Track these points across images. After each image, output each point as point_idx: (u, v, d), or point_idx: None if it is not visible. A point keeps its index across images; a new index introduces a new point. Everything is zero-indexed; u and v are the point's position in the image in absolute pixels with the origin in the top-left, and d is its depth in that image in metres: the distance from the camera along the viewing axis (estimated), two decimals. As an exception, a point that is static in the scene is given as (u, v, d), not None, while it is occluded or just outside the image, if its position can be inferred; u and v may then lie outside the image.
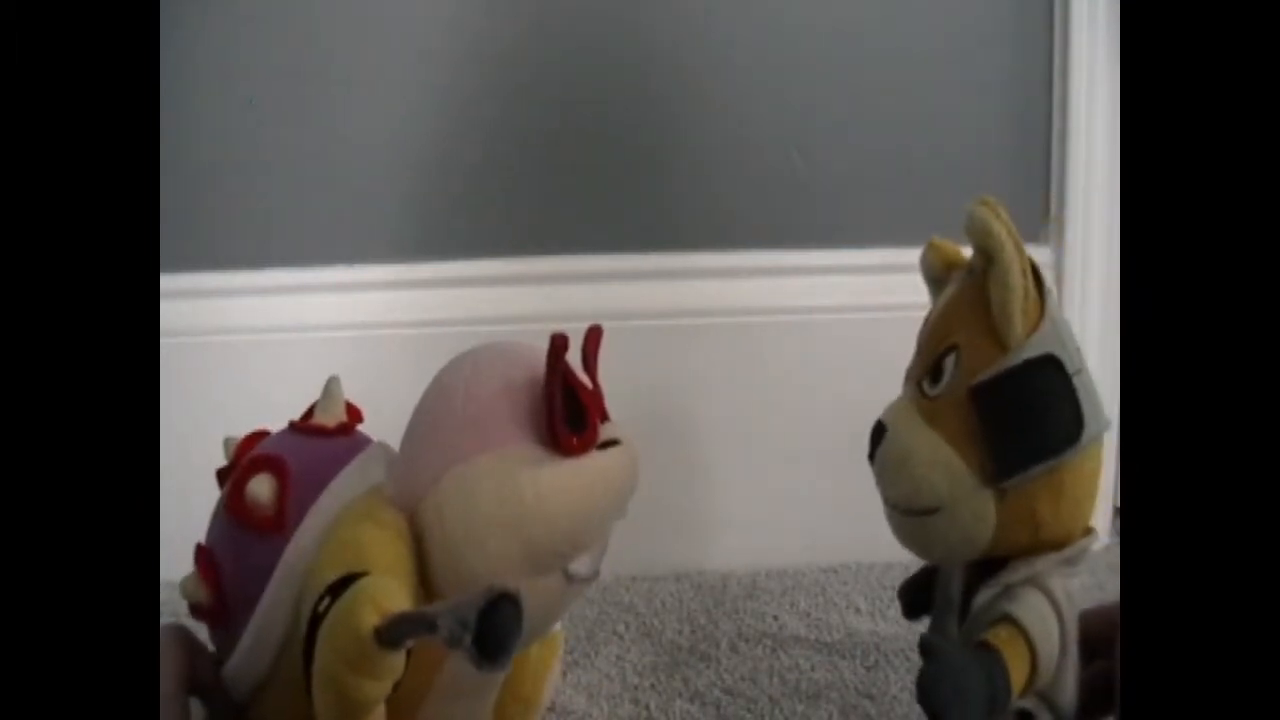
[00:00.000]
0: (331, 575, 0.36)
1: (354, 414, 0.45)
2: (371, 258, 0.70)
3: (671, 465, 0.69)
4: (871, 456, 0.41)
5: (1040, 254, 0.71)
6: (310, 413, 0.45)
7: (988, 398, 0.38)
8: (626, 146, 0.69)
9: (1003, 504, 0.38)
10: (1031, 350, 0.37)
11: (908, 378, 0.42)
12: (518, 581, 0.36)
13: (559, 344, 0.38)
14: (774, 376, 0.70)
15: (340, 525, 0.39)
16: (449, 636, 0.31)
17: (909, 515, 0.39)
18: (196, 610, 0.41)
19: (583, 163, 0.69)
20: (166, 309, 0.59)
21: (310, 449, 0.42)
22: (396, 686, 0.34)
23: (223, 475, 0.44)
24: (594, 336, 0.42)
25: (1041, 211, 0.72)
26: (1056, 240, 0.71)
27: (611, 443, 0.40)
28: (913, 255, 0.44)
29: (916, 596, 0.45)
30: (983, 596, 0.39)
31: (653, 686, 0.55)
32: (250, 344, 0.69)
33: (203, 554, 0.41)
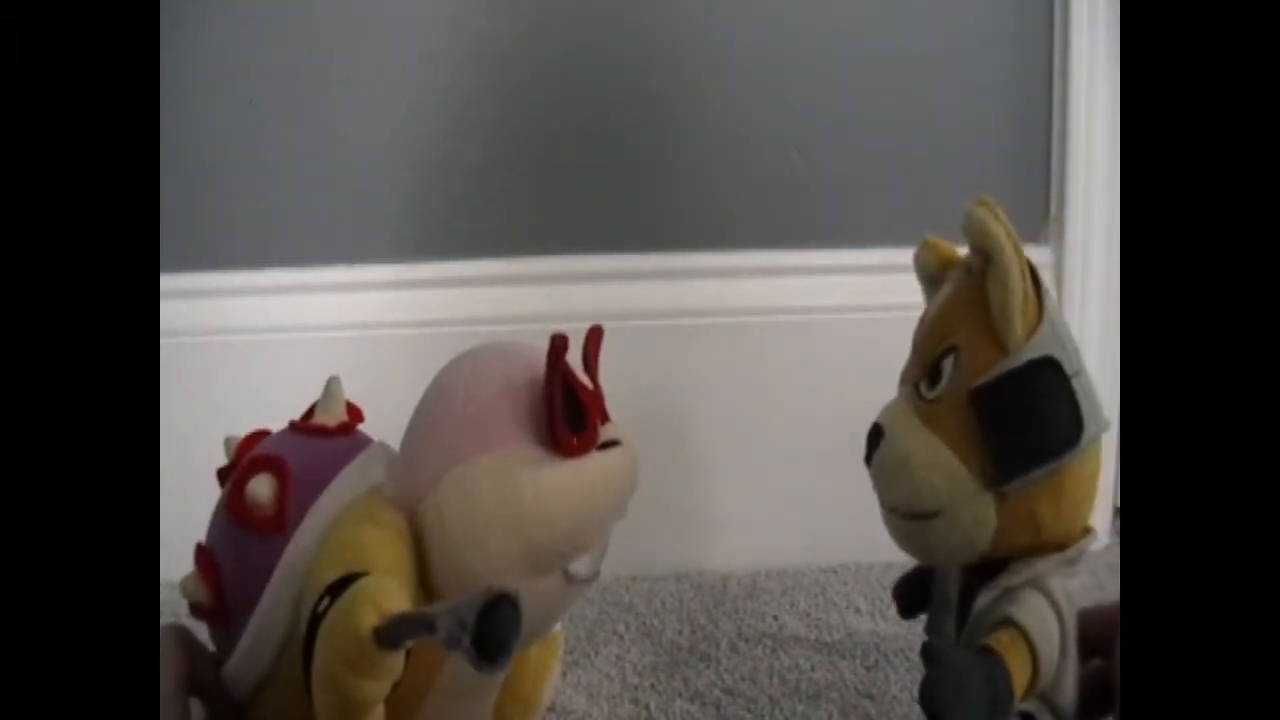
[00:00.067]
0: (331, 575, 0.36)
1: (354, 414, 0.45)
2: (371, 258, 0.70)
3: (671, 465, 0.69)
4: (869, 459, 0.41)
5: (1040, 254, 0.71)
6: (311, 413, 0.45)
7: (988, 400, 0.37)
8: (626, 146, 0.69)
9: (1003, 507, 0.38)
10: (1031, 352, 0.37)
11: (904, 379, 0.42)
12: (517, 582, 0.36)
13: (559, 344, 0.38)
14: (774, 376, 0.70)
15: (340, 525, 0.39)
16: (447, 637, 0.31)
17: (908, 519, 0.39)
18: (196, 610, 0.41)
19: (583, 163, 0.70)
20: (166, 309, 0.59)
21: (310, 449, 0.42)
22: (396, 686, 0.34)
23: (223, 475, 0.44)
24: (595, 337, 0.42)
25: (1041, 211, 0.72)
26: (1056, 240, 0.71)
27: (612, 443, 0.40)
28: (912, 255, 0.44)
29: (912, 595, 0.45)
30: (983, 599, 0.39)
31: (653, 686, 0.55)
32: (250, 344, 0.69)
33: (203, 554, 0.41)
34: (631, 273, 0.70)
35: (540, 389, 0.39)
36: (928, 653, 0.42)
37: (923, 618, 0.43)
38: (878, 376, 0.43)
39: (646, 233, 0.70)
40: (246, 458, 0.42)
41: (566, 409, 0.39)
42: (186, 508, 0.42)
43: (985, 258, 0.38)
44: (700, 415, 0.70)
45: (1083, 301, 0.71)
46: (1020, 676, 0.36)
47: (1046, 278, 0.39)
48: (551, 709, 0.53)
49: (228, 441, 0.45)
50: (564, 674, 0.56)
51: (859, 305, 0.69)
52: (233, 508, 0.41)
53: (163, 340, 0.58)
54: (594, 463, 0.39)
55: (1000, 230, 0.37)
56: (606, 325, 0.42)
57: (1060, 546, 0.38)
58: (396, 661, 0.33)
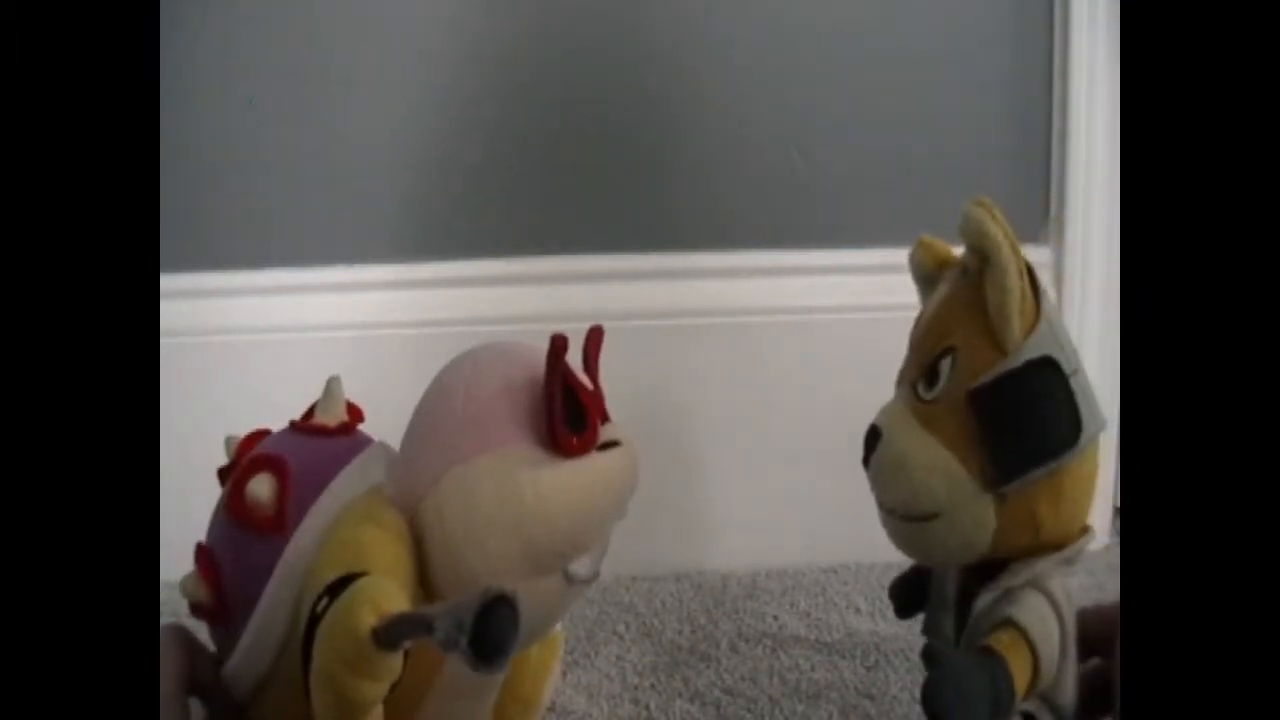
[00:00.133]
0: (331, 575, 0.36)
1: (355, 414, 0.45)
2: (371, 258, 0.70)
3: (671, 465, 0.69)
4: (866, 461, 0.40)
5: (1040, 254, 0.71)
6: (311, 413, 0.45)
7: (987, 401, 0.37)
8: (626, 146, 0.69)
9: (1002, 508, 0.37)
10: (1030, 352, 0.37)
11: (900, 380, 0.42)
12: (517, 582, 0.36)
13: (559, 344, 0.38)
14: (774, 376, 0.70)
15: (340, 525, 0.39)
16: (445, 638, 0.31)
17: (906, 521, 0.39)
18: (196, 610, 0.41)
19: (583, 163, 0.70)
20: (166, 309, 0.59)
21: (311, 449, 0.42)
22: (395, 687, 0.34)
23: (223, 475, 0.44)
24: (595, 337, 0.42)
25: (1041, 211, 0.72)
26: (1056, 240, 0.71)
27: (612, 443, 0.40)
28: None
29: (909, 595, 0.45)
30: (983, 600, 0.38)
31: (653, 686, 0.55)
32: (250, 344, 0.69)
33: (203, 554, 0.41)
34: (631, 273, 0.70)
35: (540, 389, 0.39)
36: (929, 654, 0.42)
37: (921, 617, 0.43)
38: (877, 376, 0.43)
39: (646, 233, 0.70)
40: (246, 458, 0.42)
41: (566, 409, 0.39)
42: (186, 508, 0.42)
43: (983, 258, 0.38)
44: (700, 415, 0.70)
45: (1083, 301, 0.71)
46: (1021, 677, 0.36)
47: (1046, 278, 0.39)
48: (551, 709, 0.53)
49: (228, 441, 0.45)
50: (564, 674, 0.56)
51: (859, 305, 0.69)
52: (233, 508, 0.41)
53: (163, 340, 0.58)
54: (594, 463, 0.39)
55: (998, 231, 0.37)
56: (606, 325, 0.42)
57: (1059, 546, 0.38)
58: (395, 662, 0.33)
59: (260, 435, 0.44)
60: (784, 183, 0.70)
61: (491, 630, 0.31)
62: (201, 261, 0.69)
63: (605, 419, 0.42)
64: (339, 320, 0.69)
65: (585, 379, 0.41)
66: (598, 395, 0.41)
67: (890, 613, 0.46)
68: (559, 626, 0.51)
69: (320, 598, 0.35)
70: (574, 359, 0.40)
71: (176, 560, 0.40)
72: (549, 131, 0.69)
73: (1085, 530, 0.39)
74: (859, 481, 0.41)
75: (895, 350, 0.42)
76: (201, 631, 0.42)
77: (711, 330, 0.69)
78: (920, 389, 0.39)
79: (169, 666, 0.38)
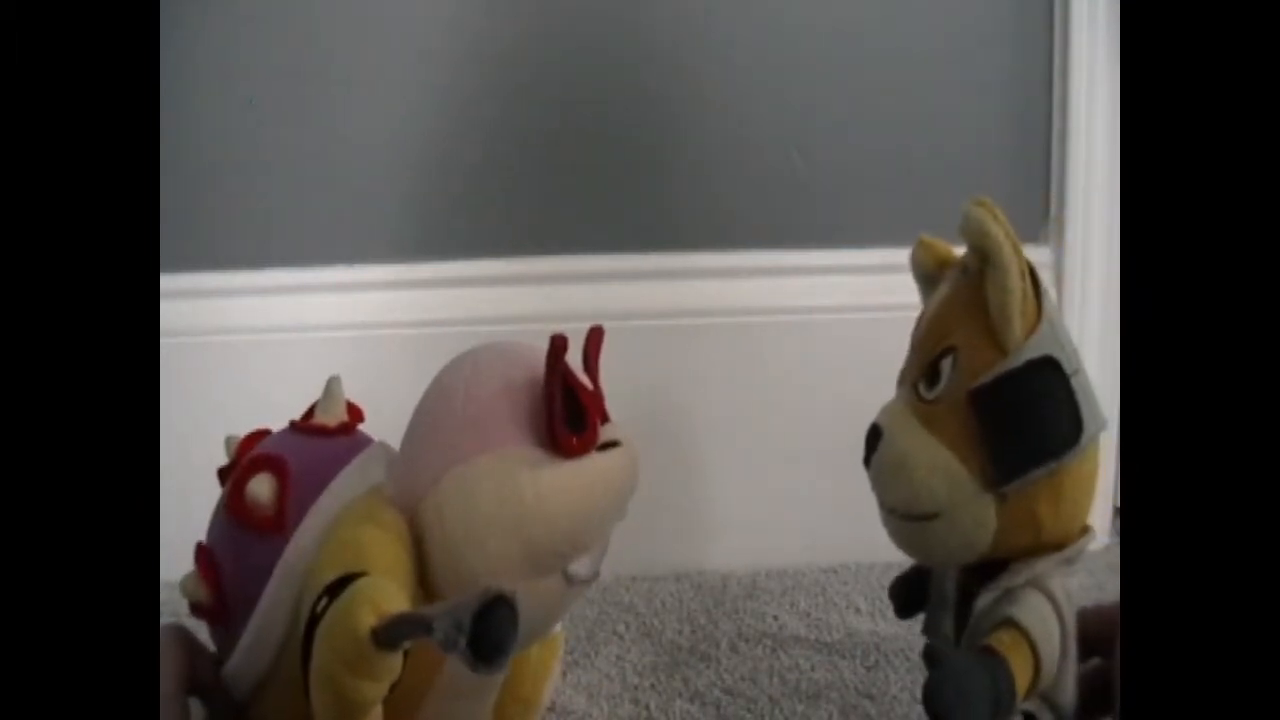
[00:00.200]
0: (330, 575, 0.36)
1: (355, 414, 0.45)
2: (371, 258, 0.70)
3: (671, 465, 0.69)
4: (867, 460, 0.40)
5: (1040, 254, 0.71)
6: (311, 413, 0.45)
7: (988, 401, 0.37)
8: (626, 146, 0.69)
9: (1003, 508, 0.37)
10: (1030, 352, 0.37)
11: (901, 379, 0.42)
12: (517, 583, 0.36)
13: (559, 344, 0.38)
14: (774, 376, 0.70)
15: (340, 525, 0.39)
16: (444, 639, 0.31)
17: (907, 520, 0.39)
18: (196, 610, 0.41)
19: (583, 163, 0.70)
20: (166, 309, 0.59)
21: (311, 449, 0.42)
22: (395, 687, 0.34)
23: (223, 475, 0.44)
24: (595, 337, 0.42)
25: (1041, 211, 0.72)
26: (1056, 240, 0.71)
27: (612, 444, 0.40)
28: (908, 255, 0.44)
29: (909, 595, 0.45)
30: (984, 600, 0.38)
31: (653, 686, 0.55)
32: (250, 344, 0.69)
33: (203, 553, 0.41)
34: (631, 273, 0.70)
35: (540, 389, 0.39)
36: (930, 654, 0.42)
37: (921, 617, 0.43)
38: (877, 376, 0.43)
39: (646, 233, 0.70)
40: (246, 457, 0.42)
41: (566, 409, 0.39)
42: (186, 508, 0.42)
43: (984, 258, 0.38)
44: (700, 415, 0.70)
45: (1083, 301, 0.71)
46: (1022, 677, 0.36)
47: (1046, 278, 0.39)
48: (551, 709, 0.53)
49: (228, 441, 0.45)
50: (564, 674, 0.56)
51: (859, 305, 0.69)
52: (233, 507, 0.41)
53: (163, 340, 0.58)
54: (594, 463, 0.39)
55: (999, 230, 0.37)
56: (606, 325, 0.42)
57: (1059, 546, 0.38)
58: (395, 662, 0.33)
59: (260, 435, 0.44)
60: (784, 183, 0.70)
61: (491, 630, 0.31)
62: (201, 261, 0.69)
63: (605, 419, 0.42)
64: (339, 320, 0.69)
65: (585, 379, 0.41)
66: (598, 395, 0.41)
67: (890, 613, 0.46)
68: (559, 626, 0.51)
69: (320, 598, 0.35)
70: (574, 359, 0.40)
71: (176, 560, 0.40)
72: (549, 131, 0.69)
73: (1085, 530, 0.40)
74: (859, 481, 0.41)
75: (895, 350, 0.42)
76: (201, 631, 0.42)
77: (711, 330, 0.69)
78: (921, 389, 0.39)
79: (169, 666, 0.38)
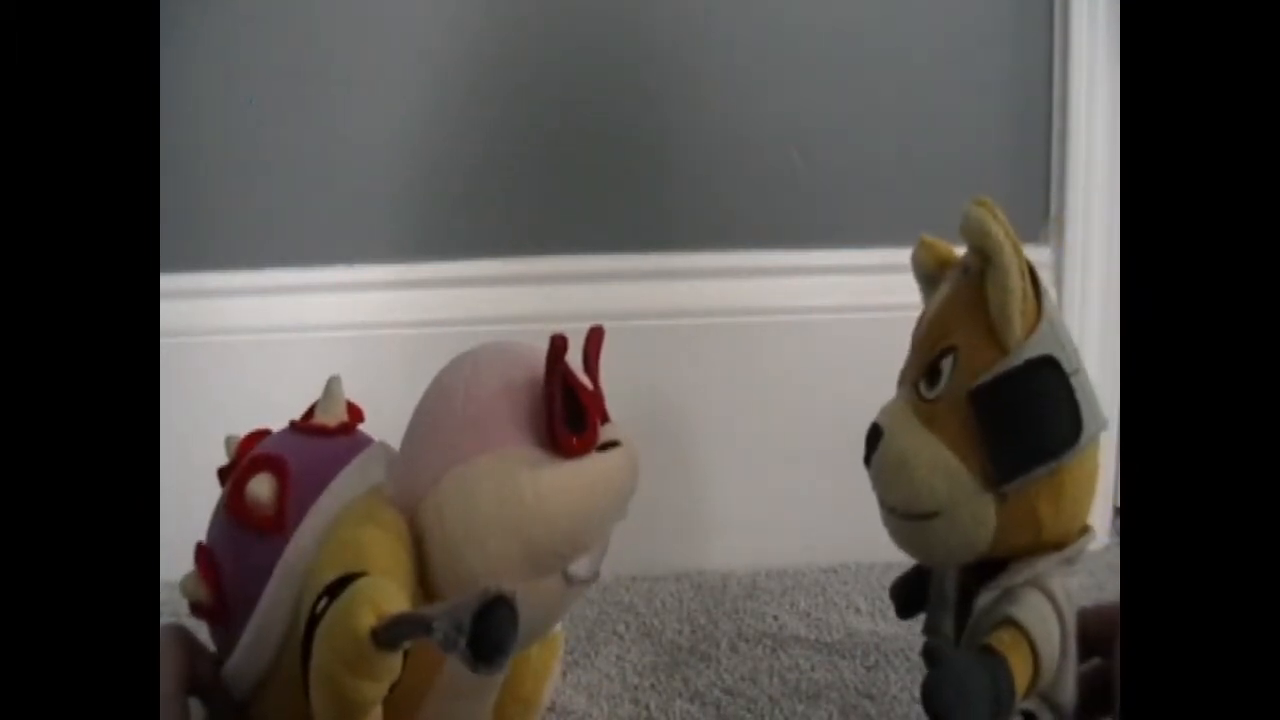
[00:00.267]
0: (330, 575, 0.36)
1: (355, 414, 0.45)
2: (371, 258, 0.70)
3: (671, 465, 0.69)
4: (867, 460, 0.41)
5: (1040, 254, 0.71)
6: (311, 413, 0.45)
7: (988, 400, 0.37)
8: (626, 146, 0.69)
9: (1003, 507, 0.37)
10: (1031, 352, 0.37)
11: (902, 379, 0.42)
12: (517, 583, 0.36)
13: (559, 344, 0.38)
14: (774, 376, 0.70)
15: (340, 525, 0.39)
16: (444, 639, 0.31)
17: (907, 519, 0.39)
18: (196, 610, 0.41)
19: (583, 163, 0.70)
20: (166, 309, 0.59)
21: (311, 449, 0.42)
22: (395, 687, 0.34)
23: (223, 475, 0.44)
24: (595, 338, 0.42)
25: (1041, 211, 0.72)
26: (1056, 240, 0.71)
27: (612, 444, 0.40)
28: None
29: (909, 595, 0.45)
30: (984, 599, 0.38)
31: (653, 686, 0.55)
32: (250, 344, 0.69)
33: (203, 553, 0.41)
34: (631, 273, 0.70)
35: (540, 389, 0.39)
36: (929, 654, 0.42)
37: (921, 617, 0.43)
38: (877, 376, 0.43)
39: (646, 233, 0.70)
40: (246, 457, 0.42)
41: (566, 409, 0.39)
42: (186, 508, 0.42)
43: (984, 258, 0.38)
44: (700, 415, 0.70)
45: (1083, 301, 0.71)
46: (1022, 676, 0.36)
47: (1046, 278, 0.39)
48: (551, 709, 0.53)
49: (228, 441, 0.45)
50: (564, 674, 0.56)
51: (859, 305, 0.69)
52: (233, 507, 0.41)
53: (163, 340, 0.58)
54: (594, 463, 0.39)
55: (999, 230, 0.37)
56: (606, 325, 0.42)
57: (1059, 546, 0.38)
58: (394, 662, 0.33)
59: (260, 435, 0.44)
60: (784, 183, 0.70)
61: (490, 631, 0.31)
62: (201, 261, 0.69)
63: (605, 419, 0.42)
64: (339, 320, 0.69)
65: (585, 379, 0.41)
66: (598, 395, 0.41)
67: (890, 613, 0.46)
68: (559, 626, 0.51)
69: (320, 598, 0.35)
70: (574, 359, 0.40)
71: (176, 560, 0.40)
72: (549, 131, 0.69)
73: (1085, 530, 0.40)
74: (859, 481, 0.41)
75: (895, 350, 0.42)
76: (201, 631, 0.42)
77: (711, 330, 0.69)
78: (921, 388, 0.39)
79: (169, 666, 0.38)
